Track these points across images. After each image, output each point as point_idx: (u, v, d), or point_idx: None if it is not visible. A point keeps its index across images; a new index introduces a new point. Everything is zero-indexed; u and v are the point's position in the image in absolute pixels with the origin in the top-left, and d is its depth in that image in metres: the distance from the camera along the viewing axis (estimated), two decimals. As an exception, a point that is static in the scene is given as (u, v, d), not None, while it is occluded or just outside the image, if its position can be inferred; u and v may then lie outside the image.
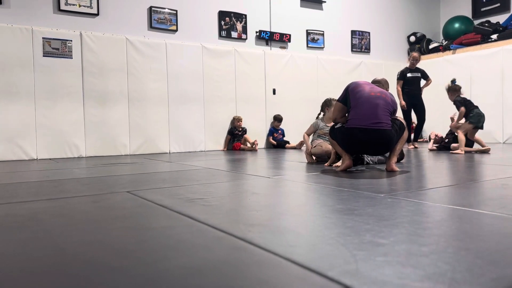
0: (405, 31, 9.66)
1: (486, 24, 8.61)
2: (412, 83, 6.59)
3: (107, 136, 6.12)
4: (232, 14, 7.36)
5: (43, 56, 5.67)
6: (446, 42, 9.24)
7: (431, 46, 9.34)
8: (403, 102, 6.48)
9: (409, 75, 6.58)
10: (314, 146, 4.47)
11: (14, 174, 3.71)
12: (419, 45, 9.51)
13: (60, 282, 0.99)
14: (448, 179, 2.82)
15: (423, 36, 9.59)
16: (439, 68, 8.99)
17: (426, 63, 9.35)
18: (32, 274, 1.06)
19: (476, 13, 9.41)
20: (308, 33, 8.21)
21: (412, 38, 9.58)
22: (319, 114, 4.76)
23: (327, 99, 4.67)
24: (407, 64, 6.82)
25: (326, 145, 4.37)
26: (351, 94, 3.39)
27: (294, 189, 2.50)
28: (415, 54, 6.61)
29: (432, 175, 3.15)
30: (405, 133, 3.40)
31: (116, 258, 1.17)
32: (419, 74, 6.66)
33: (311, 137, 4.72)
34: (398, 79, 6.59)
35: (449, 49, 8.95)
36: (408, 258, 1.11)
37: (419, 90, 6.65)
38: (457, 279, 0.95)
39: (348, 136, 3.31)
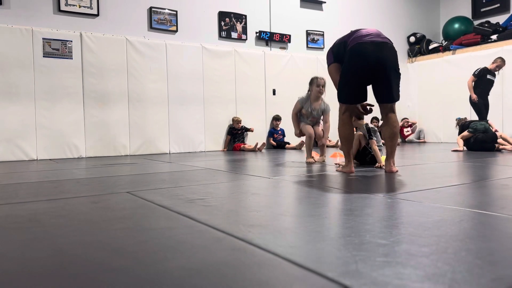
0: (405, 31, 9.67)
1: (486, 25, 8.61)
2: (487, 85, 6.64)
3: (107, 136, 6.12)
4: (232, 15, 7.36)
5: (43, 56, 5.67)
6: (446, 42, 9.24)
7: (431, 47, 9.34)
8: (475, 95, 6.57)
9: (488, 77, 6.62)
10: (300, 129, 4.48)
11: (13, 174, 3.70)
12: (419, 45, 9.52)
13: (60, 283, 0.99)
14: (448, 180, 2.82)
15: (423, 36, 9.60)
16: (439, 68, 9.00)
17: (426, 63, 9.37)
18: (32, 275, 1.05)
19: (476, 13, 9.41)
20: (308, 33, 8.21)
21: (412, 39, 9.59)
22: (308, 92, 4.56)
23: (314, 77, 4.50)
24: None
25: (308, 129, 4.39)
26: (345, 43, 3.19)
27: (294, 189, 2.50)
28: (501, 62, 6.62)
29: (432, 175, 3.15)
30: (398, 126, 3.26)
31: (115, 259, 1.17)
32: (495, 79, 6.71)
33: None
34: (475, 75, 6.65)
35: (449, 50, 8.95)
36: (408, 259, 1.11)
37: (489, 93, 6.70)
38: (457, 280, 0.95)
39: (358, 53, 3.03)
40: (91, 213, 1.86)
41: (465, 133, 5.96)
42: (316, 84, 4.38)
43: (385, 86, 3.12)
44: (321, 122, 4.61)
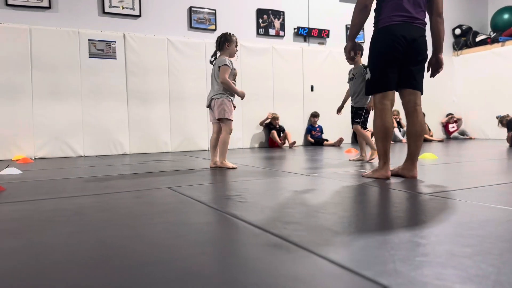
0: (450, 23, 9.27)
1: (539, 14, 8.12)
2: None
3: (149, 134, 6.31)
4: (270, 12, 7.35)
5: (89, 57, 5.92)
6: (495, 34, 8.79)
7: (478, 39, 8.92)
8: None
9: None
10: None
11: (62, 170, 3.90)
12: (465, 38, 9.12)
13: (102, 273, 1.04)
14: (496, 178, 2.69)
15: (469, 28, 9.17)
16: (487, 61, 8.57)
17: (472, 56, 8.96)
18: (77, 266, 1.11)
19: (528, 2, 8.89)
20: (347, 28, 8.06)
21: (458, 31, 9.19)
22: (213, 56, 3.83)
23: (228, 34, 3.74)
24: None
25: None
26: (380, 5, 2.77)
27: (331, 187, 2.48)
28: None
29: (479, 173, 3.01)
30: (424, 126, 2.87)
31: (154, 252, 1.21)
32: None
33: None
34: None
35: (498, 42, 8.52)
36: (449, 259, 1.07)
37: None
38: (502, 282, 0.91)
39: (390, 36, 2.65)
40: (134, 208, 1.92)
41: None
42: (235, 44, 3.77)
43: (417, 71, 2.74)
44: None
